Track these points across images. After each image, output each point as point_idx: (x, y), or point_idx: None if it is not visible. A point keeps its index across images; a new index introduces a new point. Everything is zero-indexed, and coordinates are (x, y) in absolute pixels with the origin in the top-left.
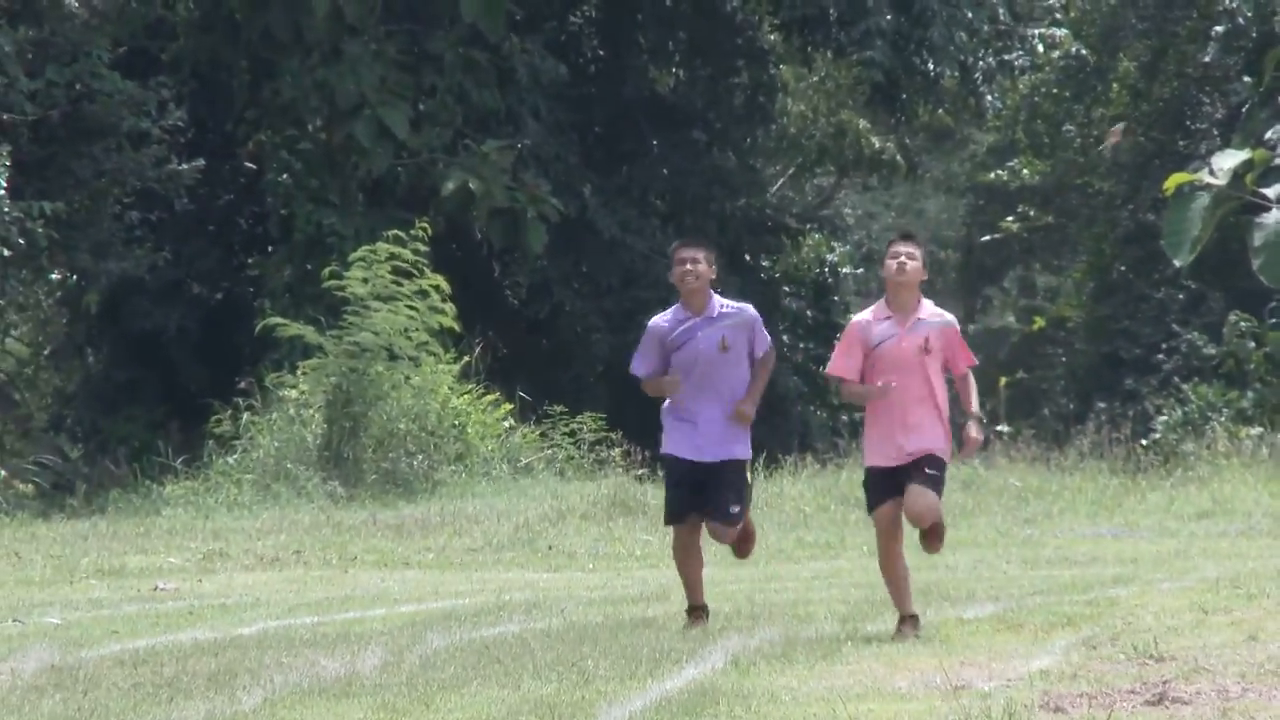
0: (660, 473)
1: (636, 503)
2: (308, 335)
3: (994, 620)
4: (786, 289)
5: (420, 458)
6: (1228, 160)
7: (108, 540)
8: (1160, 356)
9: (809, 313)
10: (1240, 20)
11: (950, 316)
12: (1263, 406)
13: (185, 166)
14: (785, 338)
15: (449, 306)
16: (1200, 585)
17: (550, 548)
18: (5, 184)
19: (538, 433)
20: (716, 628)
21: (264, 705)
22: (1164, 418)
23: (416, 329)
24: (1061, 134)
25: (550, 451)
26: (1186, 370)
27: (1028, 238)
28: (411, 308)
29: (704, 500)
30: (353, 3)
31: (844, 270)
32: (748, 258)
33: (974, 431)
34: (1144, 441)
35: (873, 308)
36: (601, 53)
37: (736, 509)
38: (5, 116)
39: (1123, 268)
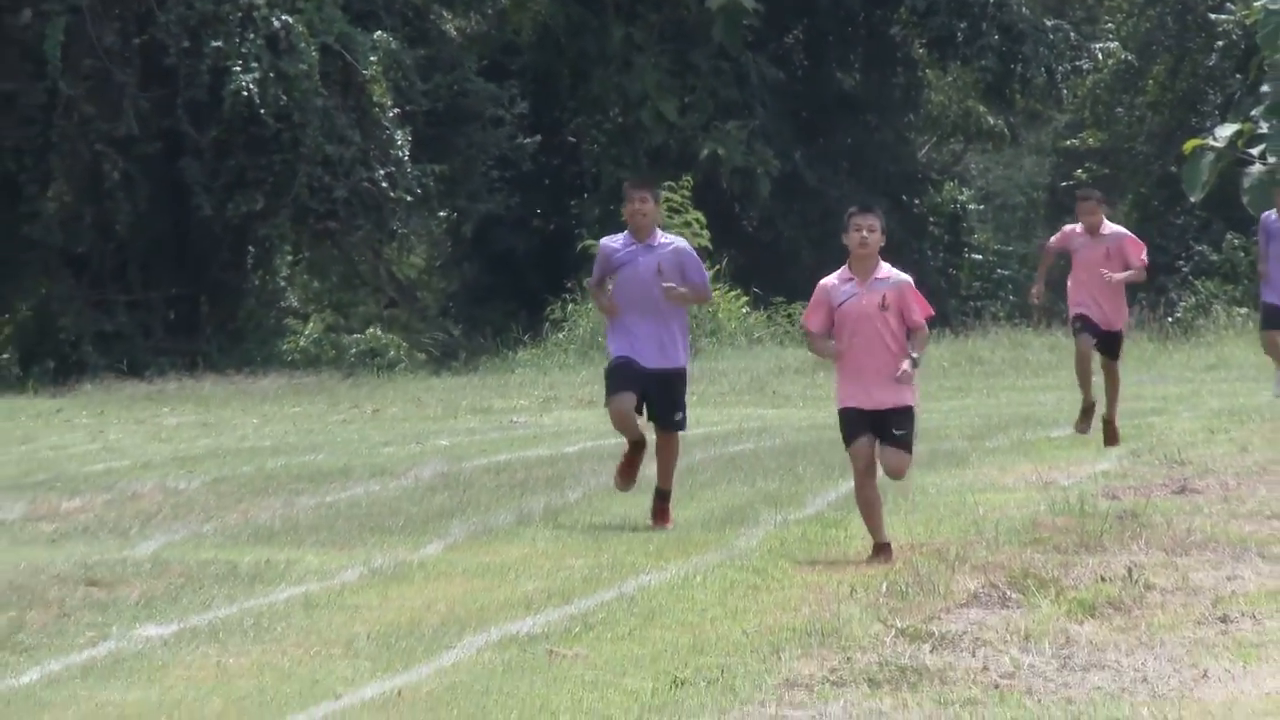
0: None
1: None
2: (686, 241)
3: (1070, 438)
4: (930, 219)
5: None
6: (1225, 131)
7: (479, 389)
8: (1181, 262)
9: (945, 236)
10: (1233, 37)
11: (904, 277)
12: (1249, 294)
13: (527, 141)
14: (929, 252)
15: (705, 233)
16: (1208, 414)
17: (774, 392)
18: (408, 153)
19: (765, 316)
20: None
21: (584, 498)
22: (1183, 303)
23: None
24: (1114, 114)
25: (774, 328)
26: (1198, 271)
27: (1092, 183)
28: (679, 233)
29: (648, 409)
30: (639, 31)
31: (970, 206)
32: (904, 199)
33: (905, 365)
34: (1170, 319)
35: (838, 272)
36: (806, 63)
37: (680, 416)
38: (408, 107)
39: (1156, 203)
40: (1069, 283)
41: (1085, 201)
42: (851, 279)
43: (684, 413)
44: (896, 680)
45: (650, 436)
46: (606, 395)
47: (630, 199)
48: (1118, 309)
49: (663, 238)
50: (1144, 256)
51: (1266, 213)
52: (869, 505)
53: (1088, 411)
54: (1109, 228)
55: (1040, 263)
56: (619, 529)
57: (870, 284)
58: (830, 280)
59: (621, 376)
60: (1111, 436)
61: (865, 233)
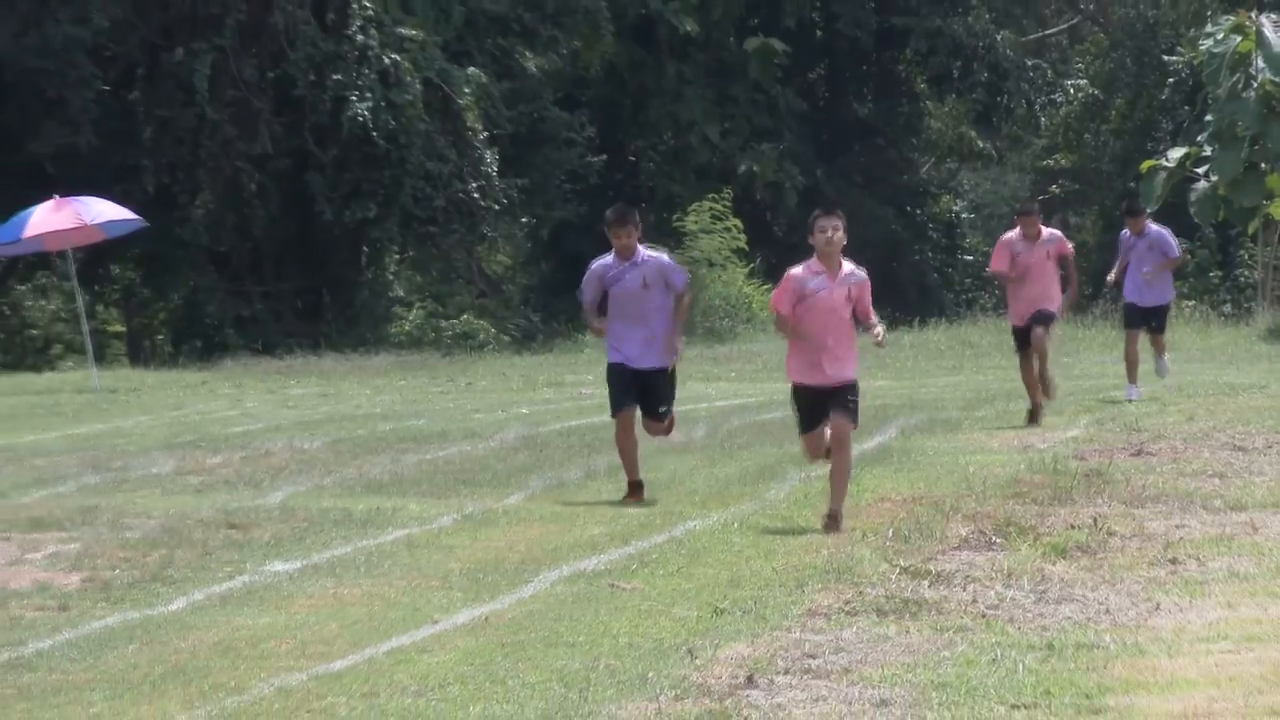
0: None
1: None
2: (665, 253)
3: (1047, 409)
4: (930, 226)
5: (726, 320)
6: (1176, 153)
7: (553, 366)
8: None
9: (942, 240)
10: (1182, 75)
11: (864, 273)
12: (1196, 290)
13: (594, 159)
14: (929, 253)
15: (742, 236)
16: (1161, 390)
17: None
18: (496, 169)
19: None
20: (890, 412)
21: (640, 457)
22: None
23: (724, 248)
24: (1083, 139)
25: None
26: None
27: (1064, 197)
28: (721, 237)
29: (641, 401)
30: (688, 68)
31: (963, 215)
32: (908, 209)
33: (881, 330)
34: None
35: (805, 264)
36: (826, 94)
37: (664, 409)
38: (495, 131)
39: (1117, 214)
40: (1010, 290)
41: (1027, 216)
42: (821, 273)
43: (668, 406)
44: (900, 610)
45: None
46: (612, 408)
47: (617, 235)
48: (1049, 294)
49: (644, 254)
50: (1068, 245)
51: (1124, 231)
52: (838, 473)
53: (1035, 412)
54: (1045, 232)
55: (1005, 283)
56: (669, 483)
57: (840, 279)
58: (800, 272)
59: (620, 388)
60: (1035, 415)
61: (830, 232)
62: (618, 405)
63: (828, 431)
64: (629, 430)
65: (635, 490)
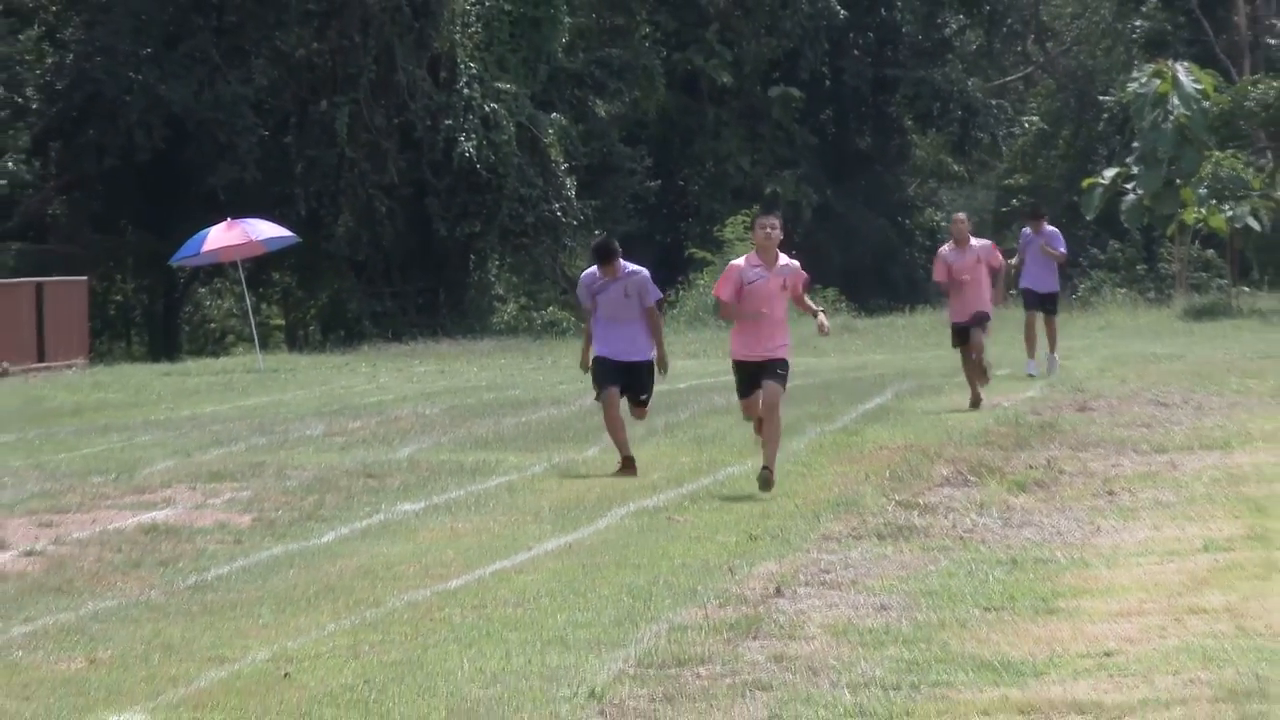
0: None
1: (853, 327)
2: (709, 256)
3: (1010, 377)
4: (917, 232)
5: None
6: (1110, 172)
7: None
8: (1081, 260)
9: (927, 243)
10: (1114, 111)
11: (797, 264)
12: (1126, 279)
13: (651, 184)
14: (916, 255)
15: None
16: (1100, 359)
17: (814, 347)
18: (574, 193)
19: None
20: (887, 379)
21: (690, 417)
22: (1083, 286)
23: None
24: (1036, 163)
25: (820, 306)
26: (1092, 265)
27: (1022, 209)
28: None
29: (627, 389)
30: (725, 112)
31: (943, 224)
32: (899, 219)
33: (823, 319)
34: (1074, 297)
35: (746, 257)
36: (834, 131)
37: (645, 397)
38: (573, 163)
39: (1064, 220)
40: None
41: (958, 222)
42: (759, 265)
43: (649, 394)
44: (895, 535)
45: (633, 422)
46: (597, 389)
47: (603, 269)
48: (980, 298)
49: (628, 270)
50: (999, 257)
51: (1025, 230)
52: (769, 436)
53: (975, 401)
54: (975, 241)
55: (948, 290)
56: (713, 438)
57: (775, 270)
58: (741, 263)
59: (604, 373)
60: (976, 402)
61: (769, 230)
62: (601, 386)
63: (761, 398)
64: (614, 408)
65: (628, 465)
